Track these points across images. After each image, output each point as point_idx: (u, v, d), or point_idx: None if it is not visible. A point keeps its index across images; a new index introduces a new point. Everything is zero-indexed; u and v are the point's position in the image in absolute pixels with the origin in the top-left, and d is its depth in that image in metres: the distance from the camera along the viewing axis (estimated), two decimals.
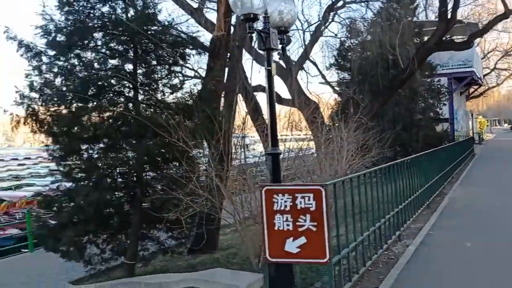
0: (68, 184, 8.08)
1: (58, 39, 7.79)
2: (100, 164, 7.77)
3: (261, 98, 14.17)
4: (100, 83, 7.74)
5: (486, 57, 40.40)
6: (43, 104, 7.77)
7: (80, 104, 7.79)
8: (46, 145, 8.01)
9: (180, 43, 8.62)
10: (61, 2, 7.81)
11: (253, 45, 13.48)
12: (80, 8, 8.01)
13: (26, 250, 13.40)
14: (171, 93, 8.62)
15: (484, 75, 39.68)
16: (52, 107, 7.80)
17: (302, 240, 3.98)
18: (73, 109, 7.77)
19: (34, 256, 12.31)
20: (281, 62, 17.35)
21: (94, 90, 7.75)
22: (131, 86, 8.10)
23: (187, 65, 10.31)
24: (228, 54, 9.91)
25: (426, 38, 18.00)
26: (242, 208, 6.26)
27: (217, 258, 7.99)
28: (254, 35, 4.31)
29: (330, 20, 18.71)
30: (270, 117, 4.37)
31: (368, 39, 17.76)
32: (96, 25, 7.99)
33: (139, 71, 8.24)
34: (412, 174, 7.88)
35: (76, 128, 7.66)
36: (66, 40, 7.78)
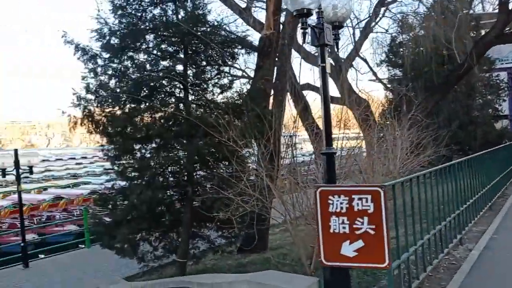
0: (122, 183, 8.30)
1: (112, 42, 8.01)
2: (152, 163, 7.91)
3: (309, 97, 13.98)
4: (152, 84, 7.88)
5: None
6: (99, 105, 8.01)
7: (133, 105, 7.97)
8: (101, 145, 8.29)
9: (229, 43, 8.62)
10: (114, 6, 8.02)
11: (301, 43, 13.32)
12: (133, 11, 8.19)
13: (83, 246, 13.98)
14: (221, 93, 8.66)
15: None
16: (107, 108, 8.03)
17: (360, 243, 3.80)
18: (127, 110, 7.97)
19: (91, 252, 12.81)
20: (330, 60, 17.04)
21: (146, 91, 7.90)
22: (181, 86, 8.20)
23: (235, 64, 10.32)
24: (277, 53, 9.80)
25: (483, 32, 17.10)
26: (293, 208, 6.14)
27: (268, 258, 7.91)
28: (306, 31, 4.17)
29: (380, 16, 18.14)
30: (325, 115, 4.22)
31: (421, 34, 17.10)
32: (148, 27, 8.15)
33: (189, 71, 8.33)
34: (473, 174, 7.45)
35: (129, 128, 7.84)
36: (120, 42, 7.98)
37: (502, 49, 21.46)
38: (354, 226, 3.81)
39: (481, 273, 5.19)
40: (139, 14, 8.22)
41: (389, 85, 21.23)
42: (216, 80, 8.62)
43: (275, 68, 9.82)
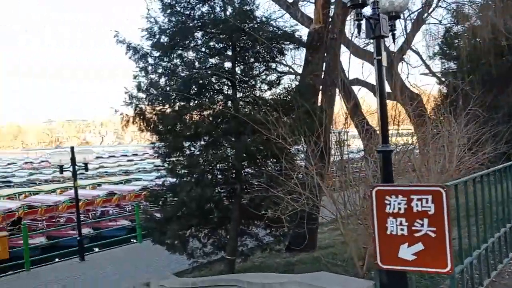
0: (172, 180, 8.42)
1: (162, 40, 8.12)
2: (201, 161, 7.97)
3: (358, 92, 13.60)
4: (201, 81, 7.92)
5: None
6: (149, 103, 8.16)
7: (182, 103, 8.06)
8: (152, 143, 8.44)
9: (277, 39, 8.51)
10: (164, 4, 8.12)
11: (350, 37, 12.98)
12: (181, 9, 8.27)
13: (135, 241, 14.37)
14: (269, 89, 8.58)
15: None
16: (157, 106, 8.17)
17: (419, 246, 3.58)
18: (177, 108, 8.06)
19: (142, 247, 13.15)
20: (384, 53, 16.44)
21: (195, 89, 7.95)
22: (229, 83, 8.18)
23: (283, 60, 10.21)
24: (326, 47, 9.57)
25: None
26: (344, 207, 5.95)
27: (317, 257, 7.75)
28: (361, 22, 3.98)
29: (434, 6, 17.37)
30: (381, 111, 4.01)
31: (477, 24, 16.22)
32: (196, 25, 8.20)
33: (237, 68, 8.31)
34: None
35: (179, 126, 7.93)
36: (169, 40, 8.08)
37: None
38: (413, 228, 3.59)
39: None
40: (188, 12, 8.29)
41: (443, 79, 20.34)
42: (264, 77, 8.55)
43: (324, 63, 9.61)
